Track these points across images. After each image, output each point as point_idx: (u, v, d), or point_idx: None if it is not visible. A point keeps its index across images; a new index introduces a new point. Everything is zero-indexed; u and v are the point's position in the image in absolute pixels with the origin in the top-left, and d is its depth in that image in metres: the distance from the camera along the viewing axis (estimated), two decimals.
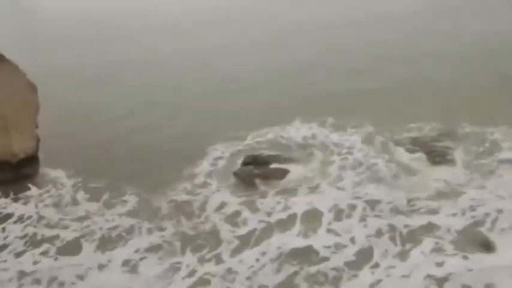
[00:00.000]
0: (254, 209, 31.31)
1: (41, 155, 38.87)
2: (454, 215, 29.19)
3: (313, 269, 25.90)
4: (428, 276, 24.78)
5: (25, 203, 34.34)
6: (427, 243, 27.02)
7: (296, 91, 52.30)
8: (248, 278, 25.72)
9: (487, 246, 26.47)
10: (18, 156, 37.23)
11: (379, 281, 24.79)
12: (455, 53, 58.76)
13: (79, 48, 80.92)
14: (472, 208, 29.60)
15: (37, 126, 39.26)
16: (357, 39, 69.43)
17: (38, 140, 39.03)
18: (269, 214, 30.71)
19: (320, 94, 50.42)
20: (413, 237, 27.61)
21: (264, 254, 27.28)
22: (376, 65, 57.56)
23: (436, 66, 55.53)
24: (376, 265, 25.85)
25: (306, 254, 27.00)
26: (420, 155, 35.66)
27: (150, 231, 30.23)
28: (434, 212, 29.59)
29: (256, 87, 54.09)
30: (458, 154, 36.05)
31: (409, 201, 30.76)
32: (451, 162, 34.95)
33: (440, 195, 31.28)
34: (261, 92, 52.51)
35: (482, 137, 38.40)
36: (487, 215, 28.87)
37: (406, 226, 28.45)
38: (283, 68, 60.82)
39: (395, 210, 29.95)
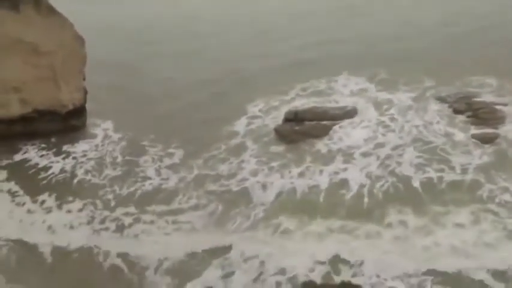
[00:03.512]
0: (287, 172, 30.59)
1: (88, 107, 39.63)
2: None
3: None
4: None
5: (70, 156, 35.10)
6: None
7: (342, 42, 51.04)
8: None
9: None
10: (67, 107, 38.16)
11: None
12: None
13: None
14: None
15: (84, 78, 39.87)
16: None
17: (85, 92, 39.77)
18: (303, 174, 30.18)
19: (373, 46, 49.19)
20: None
21: None
22: (433, 23, 55.78)
23: (494, 23, 52.72)
24: None
25: None
26: (469, 114, 33.74)
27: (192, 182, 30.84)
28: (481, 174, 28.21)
29: (300, 41, 53.14)
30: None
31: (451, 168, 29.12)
32: (500, 120, 32.79)
33: (486, 161, 29.30)
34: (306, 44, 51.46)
35: None
36: None
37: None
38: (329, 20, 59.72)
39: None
